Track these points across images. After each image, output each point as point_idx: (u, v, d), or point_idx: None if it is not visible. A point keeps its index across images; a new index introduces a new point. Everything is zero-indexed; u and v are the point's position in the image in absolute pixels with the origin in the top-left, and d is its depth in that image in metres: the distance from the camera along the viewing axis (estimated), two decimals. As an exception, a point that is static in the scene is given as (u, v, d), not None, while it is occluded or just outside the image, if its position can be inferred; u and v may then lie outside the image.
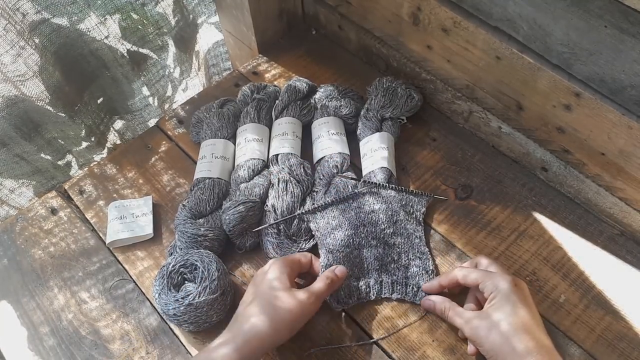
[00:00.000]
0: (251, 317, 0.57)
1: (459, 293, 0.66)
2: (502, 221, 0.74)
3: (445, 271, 0.69)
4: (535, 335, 0.55)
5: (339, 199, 0.72)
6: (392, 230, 0.70)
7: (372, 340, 0.65)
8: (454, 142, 0.82)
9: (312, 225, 0.71)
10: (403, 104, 0.81)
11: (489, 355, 0.56)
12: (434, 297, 0.64)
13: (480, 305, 0.62)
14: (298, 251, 0.70)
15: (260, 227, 0.71)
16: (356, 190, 0.73)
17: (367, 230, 0.70)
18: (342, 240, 0.68)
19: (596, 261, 0.70)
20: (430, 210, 0.75)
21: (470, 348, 0.62)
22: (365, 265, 0.68)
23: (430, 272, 0.68)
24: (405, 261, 0.69)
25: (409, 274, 0.68)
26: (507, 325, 0.55)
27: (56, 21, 0.79)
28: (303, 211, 0.71)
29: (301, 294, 0.59)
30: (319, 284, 0.61)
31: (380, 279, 0.68)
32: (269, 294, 0.58)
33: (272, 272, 0.61)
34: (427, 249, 0.70)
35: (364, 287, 0.67)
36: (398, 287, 0.67)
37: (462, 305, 0.63)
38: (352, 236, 0.69)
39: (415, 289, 0.67)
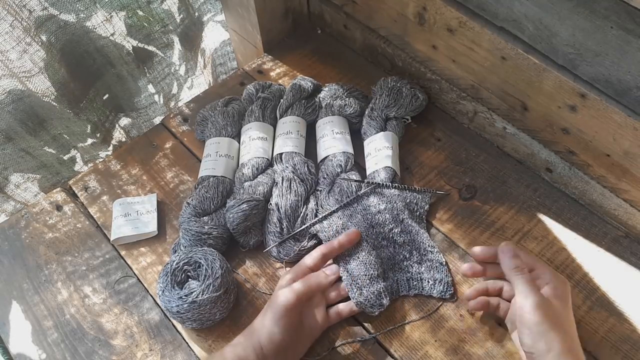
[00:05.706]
0: (262, 321, 0.60)
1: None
2: (506, 222, 0.74)
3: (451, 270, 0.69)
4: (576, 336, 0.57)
5: (345, 203, 0.72)
6: (399, 229, 0.70)
7: (371, 335, 0.65)
8: (459, 143, 0.82)
9: (320, 236, 0.71)
10: (408, 104, 0.81)
11: (529, 337, 0.54)
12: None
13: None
14: (299, 249, 0.70)
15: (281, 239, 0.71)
16: (359, 193, 0.73)
17: (375, 232, 0.70)
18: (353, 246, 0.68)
19: (600, 263, 0.69)
20: (434, 209, 0.75)
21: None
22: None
23: (443, 263, 0.68)
24: (417, 257, 0.69)
25: (422, 269, 0.68)
26: (566, 318, 0.56)
27: (62, 18, 0.80)
28: (314, 221, 0.71)
29: (295, 285, 0.62)
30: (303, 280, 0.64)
31: (396, 278, 0.68)
32: (274, 296, 0.62)
33: (282, 282, 0.64)
34: (434, 243, 0.70)
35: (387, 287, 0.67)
36: (414, 283, 0.67)
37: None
38: (362, 240, 0.69)
39: (432, 282, 0.67)
